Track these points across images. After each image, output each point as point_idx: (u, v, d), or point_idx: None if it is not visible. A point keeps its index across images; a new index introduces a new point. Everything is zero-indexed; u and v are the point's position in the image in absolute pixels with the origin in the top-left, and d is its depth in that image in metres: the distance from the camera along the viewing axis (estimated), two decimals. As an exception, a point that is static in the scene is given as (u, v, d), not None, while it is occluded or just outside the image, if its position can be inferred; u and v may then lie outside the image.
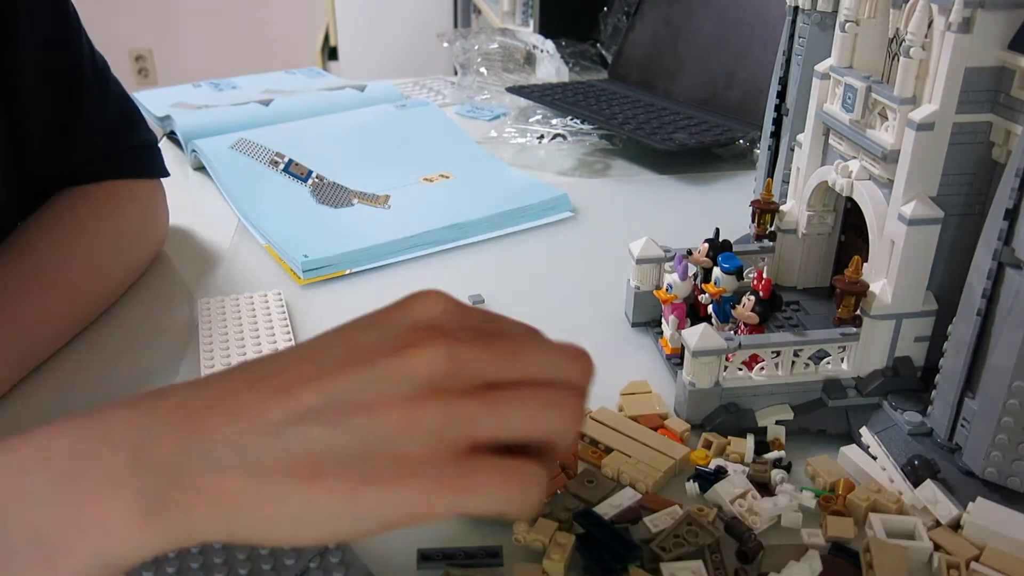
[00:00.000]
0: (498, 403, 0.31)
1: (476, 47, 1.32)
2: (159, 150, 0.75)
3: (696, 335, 0.50)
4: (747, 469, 0.48)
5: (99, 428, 0.32)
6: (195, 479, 0.30)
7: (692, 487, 0.47)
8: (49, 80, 0.64)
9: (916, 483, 0.46)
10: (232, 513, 0.30)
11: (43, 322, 0.59)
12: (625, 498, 0.46)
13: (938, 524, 0.44)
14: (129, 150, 0.71)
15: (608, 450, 0.50)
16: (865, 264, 0.52)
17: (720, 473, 0.47)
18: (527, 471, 0.31)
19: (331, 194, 0.85)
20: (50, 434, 0.32)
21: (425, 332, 0.32)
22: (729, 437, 0.51)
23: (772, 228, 0.63)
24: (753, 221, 0.64)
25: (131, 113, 0.72)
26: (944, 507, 0.44)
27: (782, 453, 0.50)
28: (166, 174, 0.75)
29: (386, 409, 0.30)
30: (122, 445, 0.31)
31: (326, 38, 2.84)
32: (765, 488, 0.47)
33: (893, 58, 0.52)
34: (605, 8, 1.39)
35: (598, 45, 1.39)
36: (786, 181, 0.65)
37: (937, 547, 0.43)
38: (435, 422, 0.30)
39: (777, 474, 0.48)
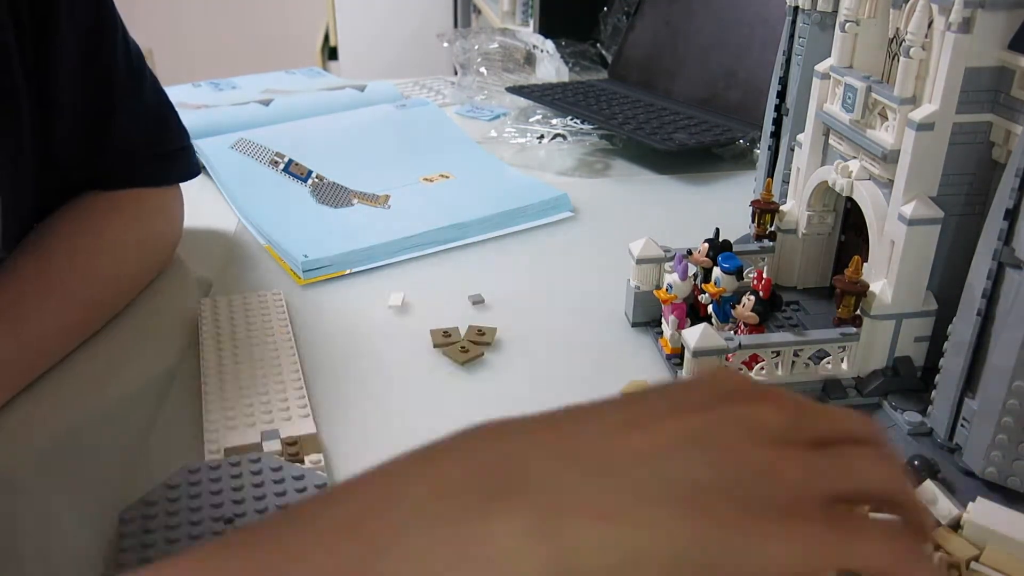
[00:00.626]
0: (840, 457, 0.30)
1: (476, 47, 1.32)
2: (190, 149, 0.73)
3: (696, 335, 0.50)
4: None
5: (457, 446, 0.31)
6: (584, 499, 0.27)
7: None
8: (83, 78, 0.63)
9: (916, 483, 0.46)
10: (622, 534, 0.26)
11: (55, 330, 0.59)
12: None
13: (938, 524, 0.44)
14: (158, 157, 0.70)
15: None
16: (865, 264, 0.52)
17: None
18: (902, 532, 0.29)
19: (331, 194, 0.85)
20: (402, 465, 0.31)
21: (749, 393, 0.31)
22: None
23: (772, 228, 0.63)
24: (753, 221, 0.64)
25: (164, 112, 0.71)
26: (944, 507, 0.44)
27: (782, 453, 0.50)
28: (196, 173, 0.73)
29: (746, 448, 0.28)
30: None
31: (326, 38, 2.84)
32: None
33: (893, 58, 0.52)
34: (605, 8, 1.39)
35: (598, 45, 1.39)
36: (786, 181, 0.65)
37: (937, 547, 0.43)
38: (797, 470, 0.28)
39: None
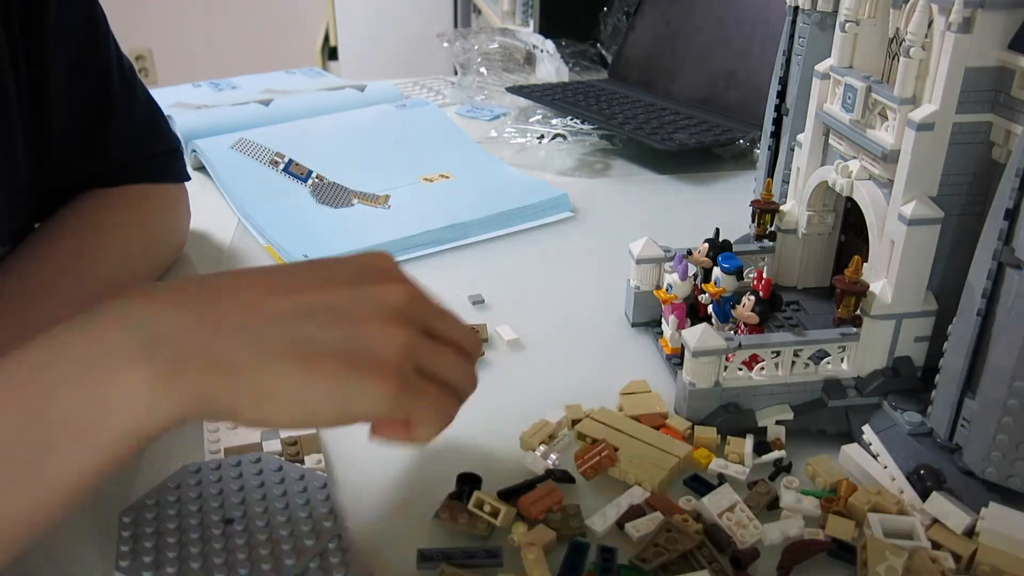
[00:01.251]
0: (440, 348, 0.41)
1: (476, 47, 1.32)
2: (182, 154, 0.75)
3: (696, 335, 0.50)
4: (744, 476, 0.48)
5: (109, 315, 0.37)
6: (208, 353, 0.35)
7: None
8: (78, 85, 0.64)
9: (923, 494, 0.45)
10: (240, 386, 0.36)
11: None
12: (634, 496, 0.46)
13: (935, 522, 0.44)
14: (157, 155, 0.71)
15: (615, 449, 0.50)
16: (865, 264, 0.52)
17: (722, 482, 0.47)
18: (451, 401, 0.41)
19: (331, 194, 0.85)
20: (61, 331, 0.37)
21: (392, 276, 0.41)
22: (729, 437, 0.51)
23: (772, 228, 0.63)
24: (753, 221, 0.64)
25: (157, 117, 0.72)
26: (957, 518, 0.44)
27: (782, 453, 0.50)
28: (188, 178, 0.75)
29: (369, 322, 0.38)
30: (134, 325, 0.36)
31: (326, 38, 2.84)
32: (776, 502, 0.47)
33: (893, 58, 0.52)
34: (605, 8, 1.39)
35: (598, 45, 1.39)
36: (786, 181, 0.65)
37: (937, 546, 0.43)
38: (404, 340, 0.38)
39: (789, 494, 0.47)
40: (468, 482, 0.47)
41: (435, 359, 0.41)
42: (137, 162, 0.69)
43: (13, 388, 0.35)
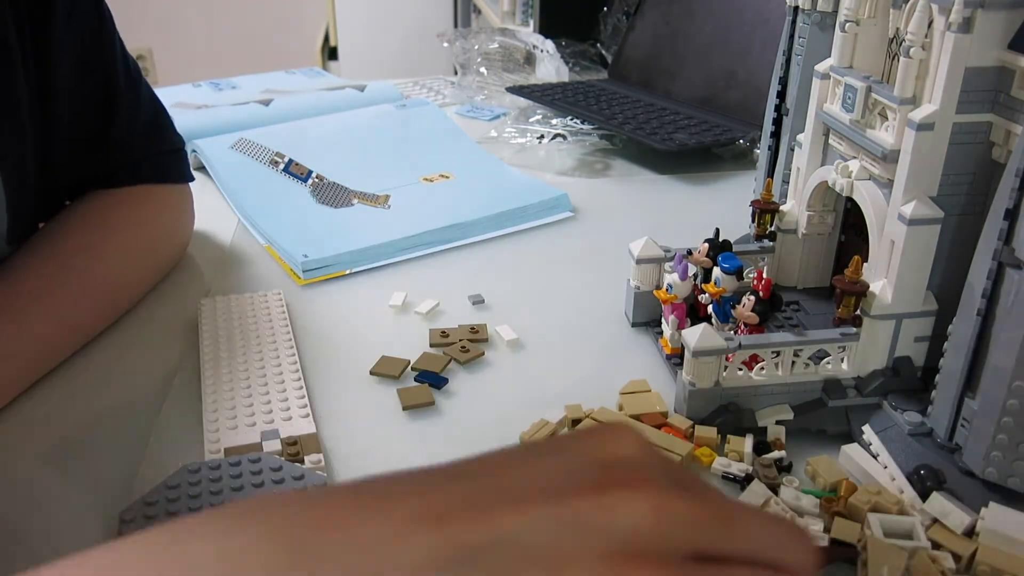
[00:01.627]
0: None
1: (476, 47, 1.32)
2: (186, 154, 0.75)
3: (696, 335, 0.50)
4: (751, 469, 0.48)
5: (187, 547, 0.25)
6: None
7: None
8: (84, 85, 0.64)
9: (924, 494, 0.45)
10: None
11: (64, 329, 0.59)
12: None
13: (935, 522, 0.44)
14: (161, 155, 0.71)
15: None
16: (865, 264, 0.52)
17: (749, 479, 0.47)
18: None
19: (331, 194, 0.85)
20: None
21: (626, 473, 0.25)
22: (729, 437, 0.51)
23: (772, 228, 0.63)
24: (753, 221, 0.64)
25: (161, 117, 0.72)
26: (957, 517, 0.44)
27: (782, 453, 0.50)
28: (192, 178, 0.75)
29: (576, 568, 0.23)
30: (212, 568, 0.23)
31: (326, 38, 2.84)
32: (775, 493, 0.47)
33: (893, 58, 0.52)
34: (605, 8, 1.39)
35: (598, 45, 1.39)
36: (786, 181, 0.65)
37: (937, 546, 0.43)
38: None
39: (788, 491, 0.47)
40: None
41: None
42: (142, 162, 0.69)
43: None
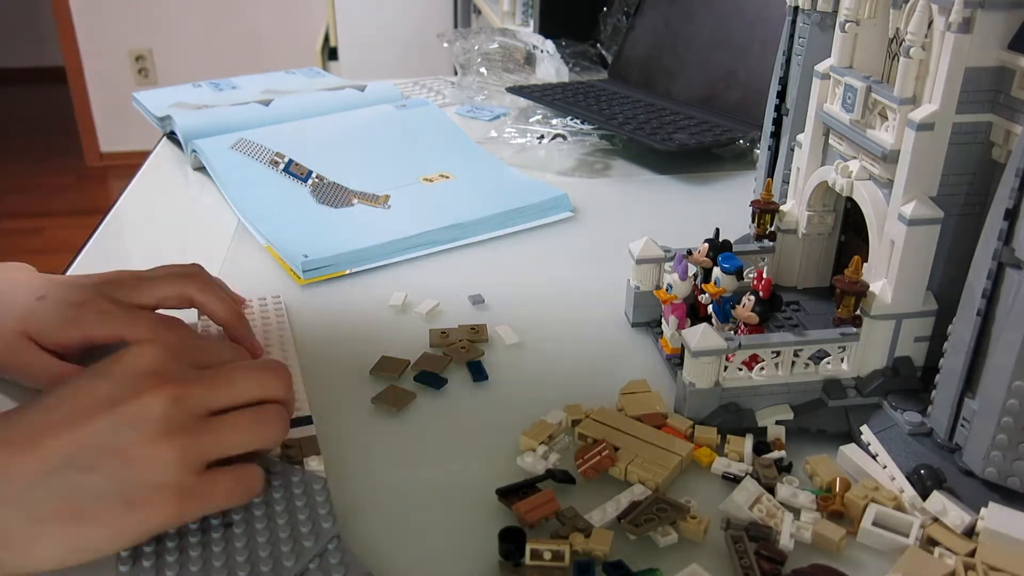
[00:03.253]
0: (221, 430, 0.40)
1: (476, 47, 1.32)
2: None
3: (696, 335, 0.50)
4: (751, 469, 0.48)
5: None
6: None
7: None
8: None
9: (923, 494, 0.45)
10: (15, 552, 0.36)
11: None
12: (635, 494, 0.46)
13: (935, 521, 0.44)
14: None
15: (615, 449, 0.50)
16: (865, 264, 0.52)
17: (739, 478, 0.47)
18: (249, 473, 0.42)
19: (331, 194, 0.85)
20: None
21: (149, 380, 0.39)
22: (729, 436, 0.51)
23: (772, 228, 0.63)
24: (753, 221, 0.64)
25: None
26: (955, 516, 0.44)
27: (782, 453, 0.50)
28: None
29: (133, 449, 0.38)
30: None
31: (326, 38, 2.84)
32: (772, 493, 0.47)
33: (893, 58, 0.52)
34: (605, 8, 1.39)
35: (598, 45, 1.39)
36: (786, 181, 0.65)
37: (934, 543, 0.43)
38: (175, 455, 0.38)
39: (787, 489, 0.47)
40: (511, 539, 0.42)
41: (220, 442, 0.40)
42: None
43: None
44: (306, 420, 0.52)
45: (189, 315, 0.59)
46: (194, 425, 0.40)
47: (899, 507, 0.45)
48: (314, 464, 0.48)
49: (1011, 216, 0.42)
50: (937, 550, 0.43)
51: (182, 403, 0.39)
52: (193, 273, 0.57)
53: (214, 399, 0.41)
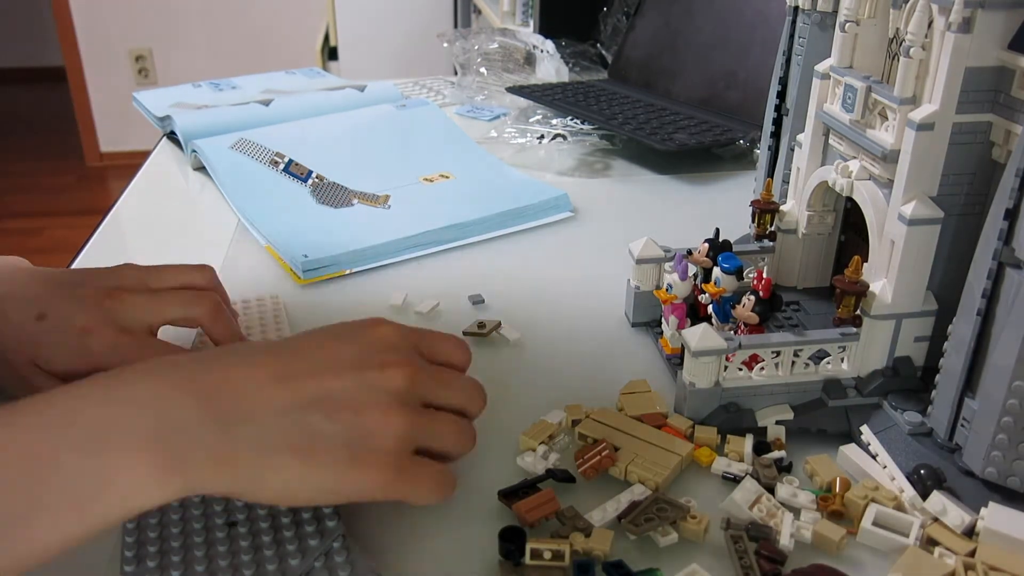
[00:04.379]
0: (436, 422, 0.43)
1: (476, 47, 1.32)
2: None
3: (696, 335, 0.50)
4: (751, 469, 0.48)
5: (124, 393, 0.38)
6: (213, 446, 0.37)
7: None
8: None
9: (924, 494, 0.45)
10: (239, 477, 0.38)
11: None
12: (635, 493, 0.46)
13: (935, 521, 0.44)
14: None
15: (615, 449, 0.50)
16: (865, 264, 0.52)
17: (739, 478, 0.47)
18: (450, 474, 0.43)
19: (331, 194, 0.85)
20: (76, 397, 0.37)
21: (393, 355, 0.43)
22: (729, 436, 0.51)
23: (772, 228, 0.63)
24: (753, 221, 0.64)
25: None
26: (955, 516, 0.44)
27: (782, 453, 0.50)
28: None
29: (370, 411, 0.41)
30: (148, 409, 0.37)
31: (326, 38, 2.84)
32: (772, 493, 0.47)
33: (893, 58, 0.52)
34: (605, 8, 1.39)
35: (598, 45, 1.39)
36: (786, 181, 0.65)
37: (934, 543, 0.43)
38: (403, 426, 0.41)
39: (787, 488, 0.47)
40: (511, 539, 0.42)
41: (433, 433, 0.43)
42: None
43: (21, 440, 0.36)
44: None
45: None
46: (418, 408, 0.43)
47: (899, 507, 0.45)
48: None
49: (1011, 216, 0.42)
50: (937, 550, 0.43)
51: (416, 385, 0.43)
52: (203, 296, 0.55)
53: (435, 393, 0.44)
